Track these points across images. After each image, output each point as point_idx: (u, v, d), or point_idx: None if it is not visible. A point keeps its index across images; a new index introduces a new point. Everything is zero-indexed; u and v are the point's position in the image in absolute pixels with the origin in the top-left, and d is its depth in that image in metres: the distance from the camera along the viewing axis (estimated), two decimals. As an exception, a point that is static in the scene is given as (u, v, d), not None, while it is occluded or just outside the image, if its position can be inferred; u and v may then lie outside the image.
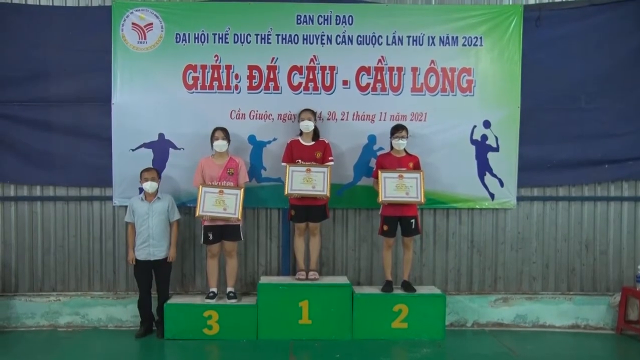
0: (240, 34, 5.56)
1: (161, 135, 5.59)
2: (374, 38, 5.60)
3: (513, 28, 5.61)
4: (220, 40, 5.56)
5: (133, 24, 5.54)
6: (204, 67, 5.57)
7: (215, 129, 5.33)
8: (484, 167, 5.67)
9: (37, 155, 5.60)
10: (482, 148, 5.67)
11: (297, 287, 5.30)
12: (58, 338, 5.38)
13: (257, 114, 5.60)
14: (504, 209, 5.80)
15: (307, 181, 5.23)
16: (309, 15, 5.57)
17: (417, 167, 5.37)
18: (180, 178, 5.59)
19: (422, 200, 5.24)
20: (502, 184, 5.69)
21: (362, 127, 5.62)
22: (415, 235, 5.44)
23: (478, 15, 5.63)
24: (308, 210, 5.34)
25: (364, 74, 5.62)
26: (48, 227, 5.72)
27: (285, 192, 5.25)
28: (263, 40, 5.57)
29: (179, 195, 5.56)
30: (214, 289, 5.38)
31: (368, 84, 5.62)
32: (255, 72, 5.59)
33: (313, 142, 5.41)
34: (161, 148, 5.59)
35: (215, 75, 5.58)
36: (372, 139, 5.64)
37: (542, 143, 5.69)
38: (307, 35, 5.58)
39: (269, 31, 5.57)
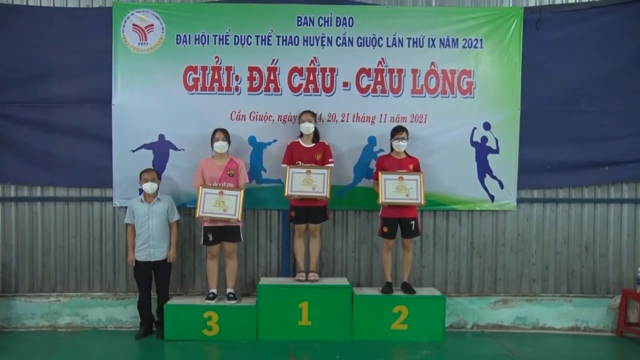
0: (241, 36, 5.57)
1: (161, 136, 5.59)
2: (374, 40, 5.61)
3: (513, 30, 5.62)
4: (221, 41, 5.57)
5: (134, 25, 5.55)
6: (204, 68, 5.57)
7: (216, 130, 5.34)
8: (484, 169, 5.67)
9: (38, 155, 5.60)
10: (482, 150, 5.67)
11: (297, 288, 5.30)
12: (58, 339, 5.39)
13: (257, 115, 5.61)
14: (504, 211, 5.79)
15: (307, 183, 5.24)
16: (310, 17, 5.58)
17: (417, 169, 5.37)
18: (180, 179, 5.59)
19: (422, 202, 5.24)
20: (502, 186, 5.69)
21: (362, 128, 5.62)
22: (415, 236, 5.44)
23: (478, 17, 5.63)
24: (308, 211, 5.35)
25: (364, 76, 5.62)
26: (48, 227, 5.73)
27: (286, 194, 5.25)
28: (263, 42, 5.58)
29: (178, 196, 5.56)
30: (214, 290, 5.38)
31: (368, 86, 5.63)
32: (255, 74, 5.59)
33: (313, 144, 5.41)
34: (161, 149, 5.59)
35: (216, 77, 5.58)
36: (372, 140, 5.64)
37: (542, 145, 5.69)
38: (307, 37, 5.59)
39: (269, 32, 5.58)
